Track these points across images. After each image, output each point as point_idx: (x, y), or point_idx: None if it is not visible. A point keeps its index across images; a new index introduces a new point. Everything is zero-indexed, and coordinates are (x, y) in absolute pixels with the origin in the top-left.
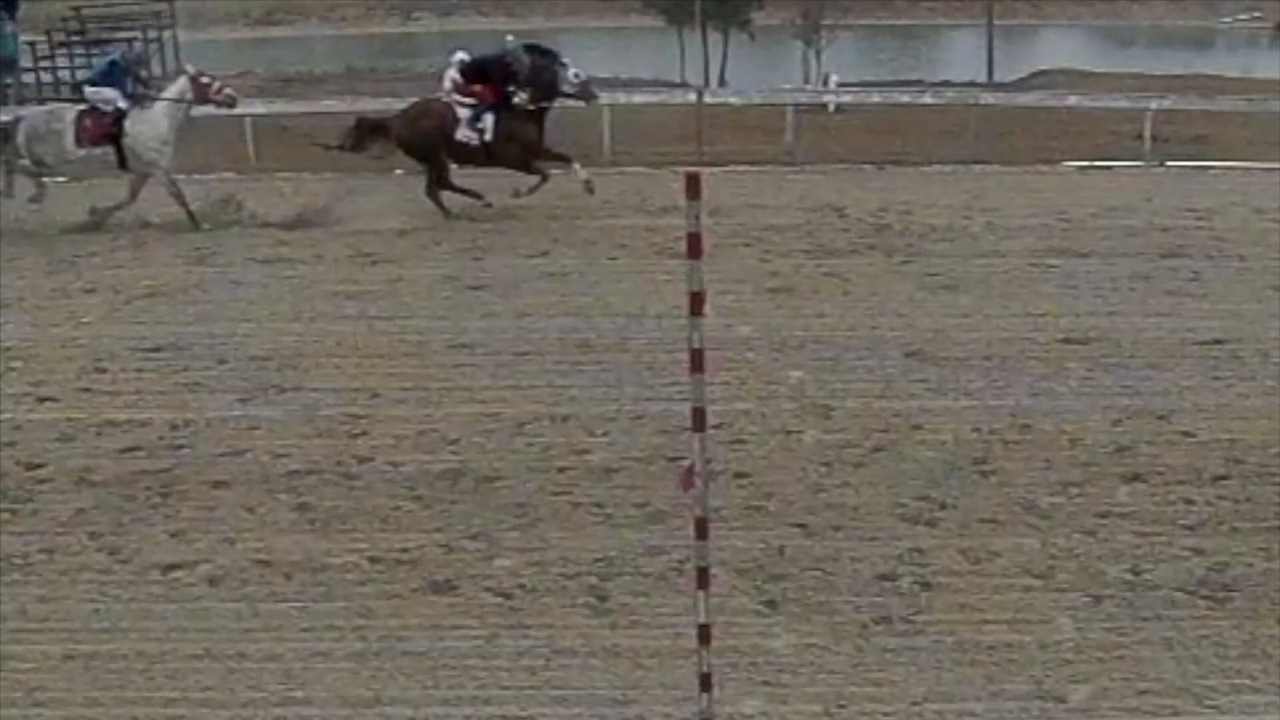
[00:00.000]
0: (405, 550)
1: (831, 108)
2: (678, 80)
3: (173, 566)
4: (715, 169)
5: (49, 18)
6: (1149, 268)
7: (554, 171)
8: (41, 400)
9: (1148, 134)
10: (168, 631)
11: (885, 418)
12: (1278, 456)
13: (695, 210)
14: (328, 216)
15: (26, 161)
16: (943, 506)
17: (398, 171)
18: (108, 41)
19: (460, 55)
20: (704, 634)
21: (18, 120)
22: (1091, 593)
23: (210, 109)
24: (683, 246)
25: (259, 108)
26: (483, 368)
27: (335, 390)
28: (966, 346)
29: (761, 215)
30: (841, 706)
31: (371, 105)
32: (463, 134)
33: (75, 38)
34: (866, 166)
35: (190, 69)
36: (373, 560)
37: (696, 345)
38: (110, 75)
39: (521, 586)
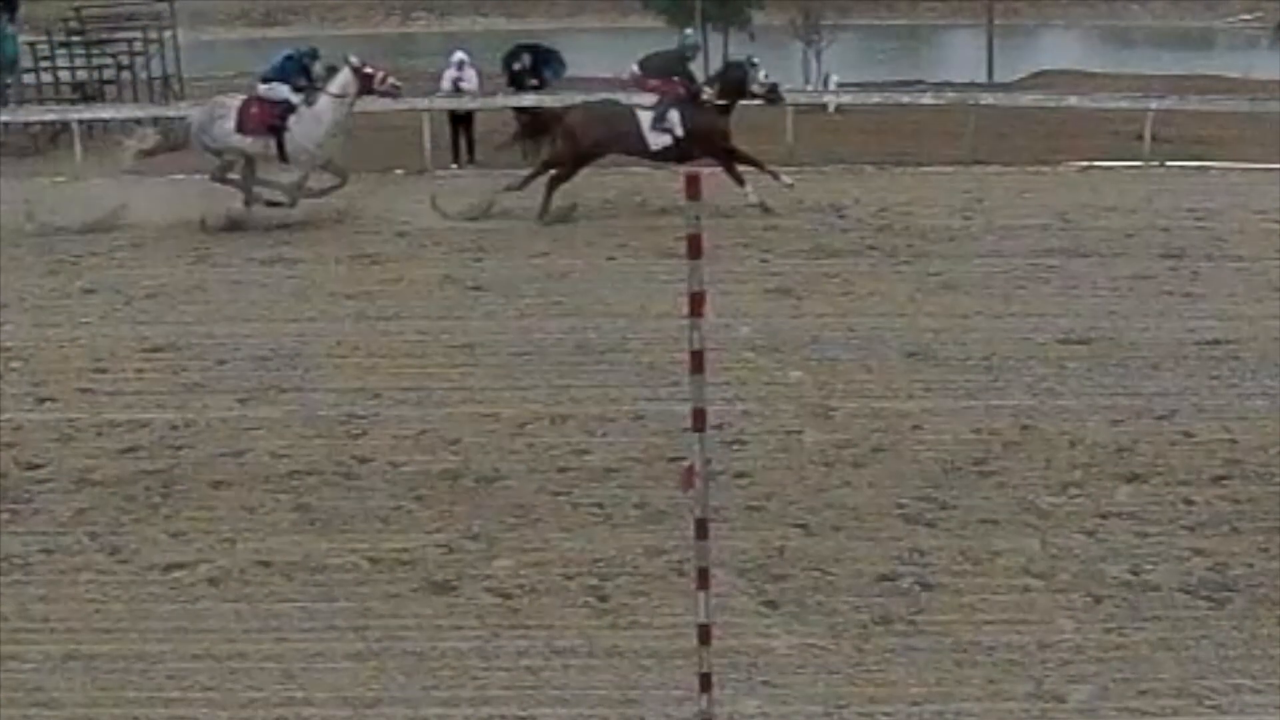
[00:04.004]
0: (405, 550)
1: (831, 108)
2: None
3: (173, 566)
4: (716, 169)
5: (49, 18)
6: (1149, 268)
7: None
8: (41, 400)
9: (1148, 134)
10: (168, 631)
11: (885, 418)
12: (1278, 456)
13: (695, 210)
14: (330, 217)
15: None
16: (943, 506)
17: (398, 172)
18: (108, 41)
19: (459, 55)
20: (704, 634)
21: (186, 119)
22: (1091, 593)
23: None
24: (683, 247)
25: None
26: (483, 368)
27: (335, 390)
28: (966, 346)
29: (761, 215)
30: (841, 706)
31: (376, 105)
32: (654, 137)
33: (75, 38)
34: (866, 166)
35: (354, 60)
36: (373, 560)
37: (696, 346)
38: (283, 70)
39: (521, 586)
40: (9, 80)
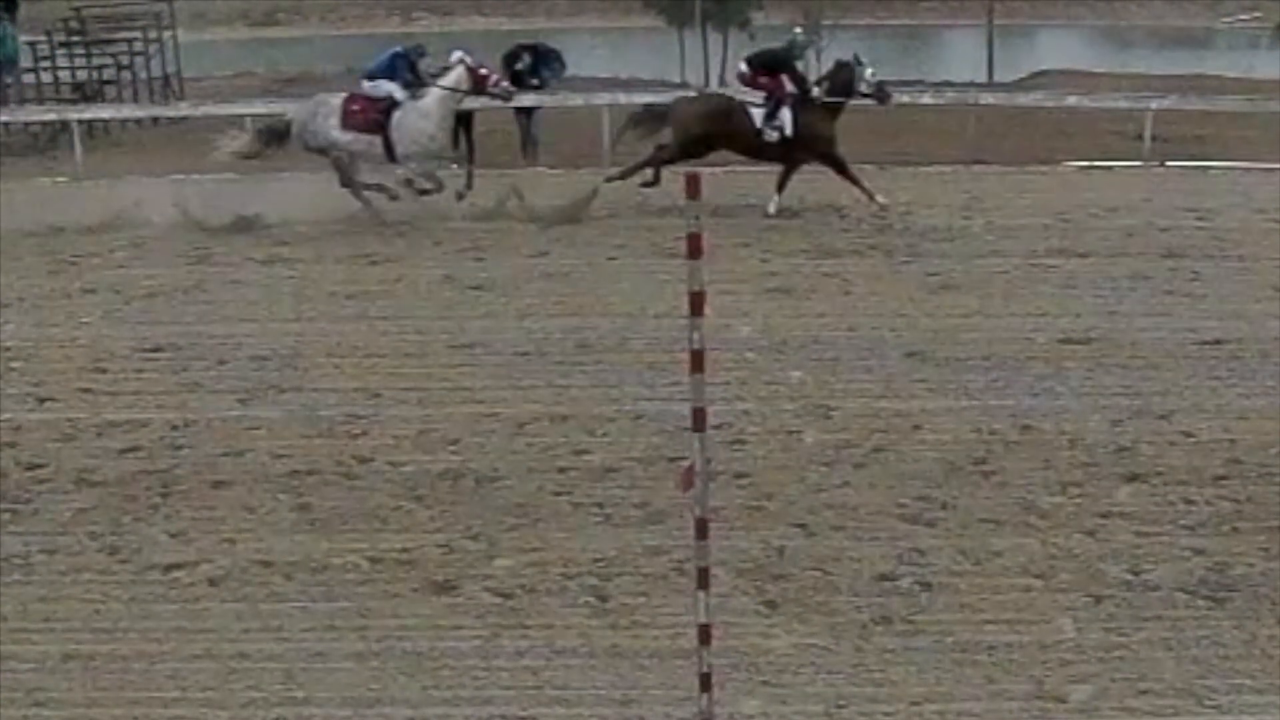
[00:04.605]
0: (405, 550)
1: None
2: (678, 80)
3: (173, 566)
4: (715, 169)
5: (49, 18)
6: (1149, 268)
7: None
8: (41, 400)
9: (1148, 134)
10: (168, 631)
11: (885, 418)
12: (1278, 456)
13: (695, 210)
14: (331, 215)
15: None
16: (943, 506)
17: (399, 171)
18: (108, 41)
19: (459, 55)
20: (704, 634)
21: (289, 118)
22: (1091, 593)
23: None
24: (683, 246)
25: (259, 108)
26: (483, 368)
27: (335, 390)
28: (966, 346)
29: (762, 215)
30: (841, 706)
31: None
32: (766, 132)
33: (75, 38)
34: (867, 166)
35: (468, 59)
36: (373, 560)
37: (696, 345)
38: (390, 68)
39: (521, 586)
40: (9, 80)
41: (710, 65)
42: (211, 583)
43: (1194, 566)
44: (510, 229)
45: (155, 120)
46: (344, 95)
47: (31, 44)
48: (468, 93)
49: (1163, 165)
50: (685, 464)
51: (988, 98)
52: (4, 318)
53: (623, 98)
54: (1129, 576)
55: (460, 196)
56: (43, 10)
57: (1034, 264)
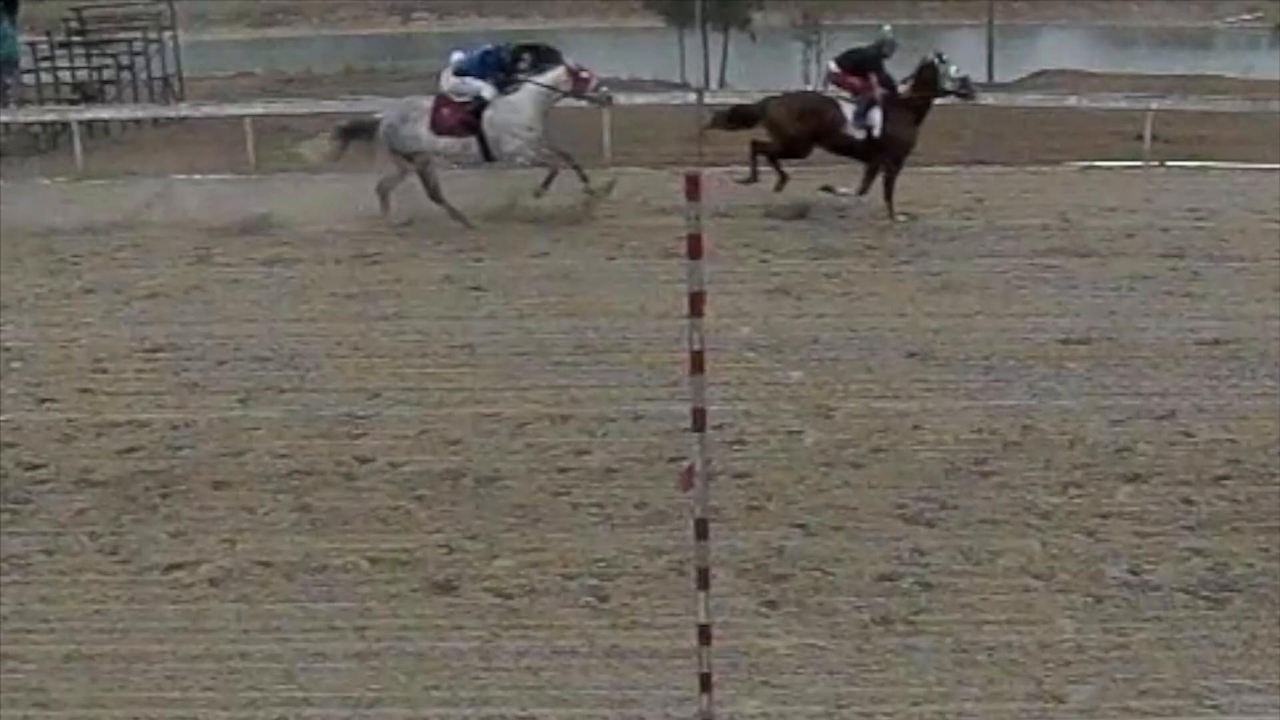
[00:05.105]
0: (405, 550)
1: None
2: (678, 80)
3: (173, 566)
4: (716, 169)
5: (49, 18)
6: (1149, 268)
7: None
8: (41, 401)
9: (1148, 134)
10: (168, 631)
11: (885, 418)
12: (1278, 456)
13: (695, 211)
14: (332, 215)
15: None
16: (943, 506)
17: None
18: (108, 42)
19: (457, 55)
20: (704, 634)
21: (377, 117)
22: (1091, 593)
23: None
24: (683, 247)
25: (259, 108)
26: (483, 368)
27: (335, 390)
28: (966, 346)
29: (761, 215)
30: (841, 706)
31: (373, 105)
32: (853, 130)
33: (75, 38)
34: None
35: (570, 61)
36: (373, 560)
37: (696, 345)
38: (482, 65)
39: (521, 587)
40: (9, 80)
41: (710, 65)
42: (211, 583)
43: (1194, 566)
44: (510, 229)
45: (155, 120)
46: (433, 97)
47: (31, 44)
48: (565, 94)
49: (1163, 165)
50: (685, 464)
51: (988, 98)
52: (4, 318)
53: (623, 98)
54: (1129, 576)
55: (588, 192)
56: (43, 10)
57: (1034, 264)
